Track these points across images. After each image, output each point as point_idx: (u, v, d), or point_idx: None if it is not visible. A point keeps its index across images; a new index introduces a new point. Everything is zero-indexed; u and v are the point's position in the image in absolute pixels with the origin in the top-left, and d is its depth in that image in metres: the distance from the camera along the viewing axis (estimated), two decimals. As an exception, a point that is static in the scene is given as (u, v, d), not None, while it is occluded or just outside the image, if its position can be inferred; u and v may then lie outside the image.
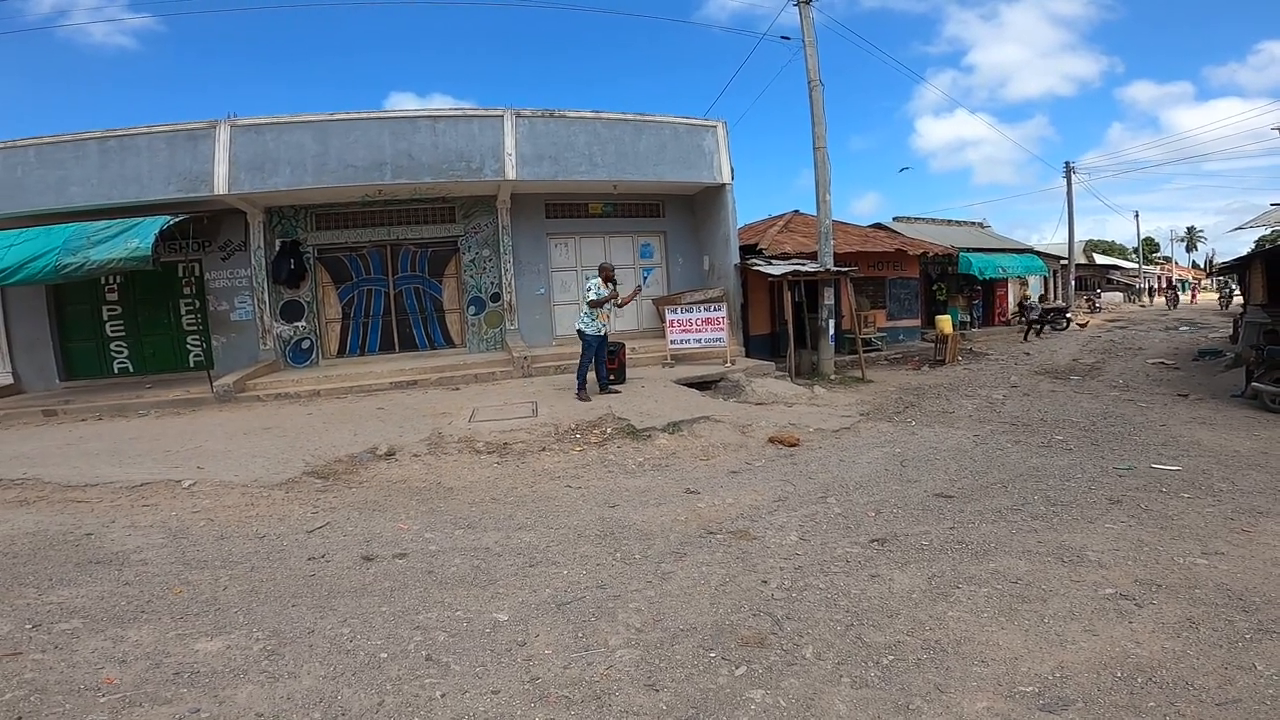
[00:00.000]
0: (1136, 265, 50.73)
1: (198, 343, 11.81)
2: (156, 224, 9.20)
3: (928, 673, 2.66)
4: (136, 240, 8.89)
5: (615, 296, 8.91)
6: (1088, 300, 33.63)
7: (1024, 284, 25.92)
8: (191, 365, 11.69)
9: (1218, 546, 3.80)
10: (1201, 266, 55.18)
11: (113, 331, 11.73)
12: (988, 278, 20.99)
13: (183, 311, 11.82)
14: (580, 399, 8.58)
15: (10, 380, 11.18)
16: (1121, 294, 43.77)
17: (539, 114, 11.47)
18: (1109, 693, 2.47)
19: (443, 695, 2.60)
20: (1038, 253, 26.54)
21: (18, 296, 11.01)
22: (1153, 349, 15.82)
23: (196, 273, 11.78)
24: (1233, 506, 4.49)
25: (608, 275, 8.84)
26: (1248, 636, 2.80)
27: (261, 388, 10.12)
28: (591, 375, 8.92)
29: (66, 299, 11.46)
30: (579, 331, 8.85)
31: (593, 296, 8.64)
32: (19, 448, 7.32)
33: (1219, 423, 7.38)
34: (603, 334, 8.87)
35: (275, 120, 10.63)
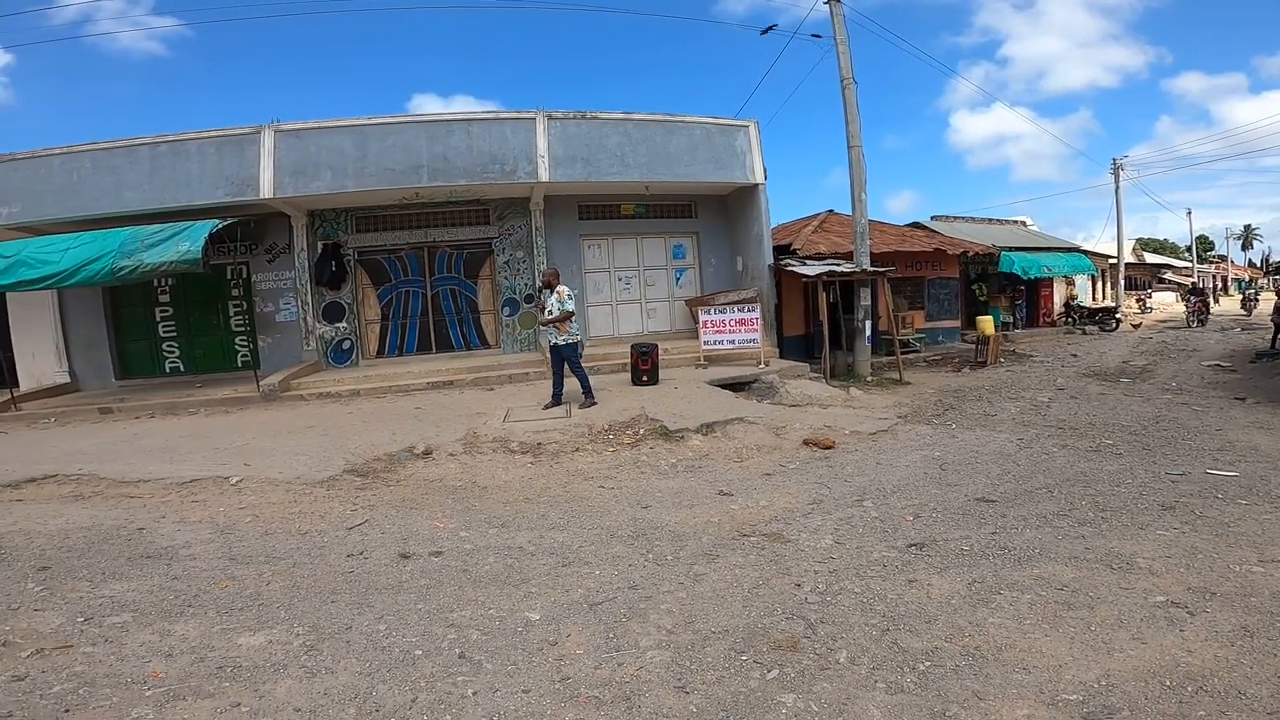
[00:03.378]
0: (1190, 264, 48.92)
1: (245, 343, 12.17)
2: (206, 228, 9.51)
3: (966, 679, 2.59)
4: (187, 244, 9.21)
5: (542, 308, 8.35)
6: (1138, 300, 32.52)
7: (1070, 284, 25.18)
8: (239, 365, 12.05)
9: (1276, 554, 3.63)
10: (1258, 265, 52.83)
11: (165, 332, 12.17)
12: (1031, 277, 20.42)
13: (231, 313, 12.20)
14: (547, 407, 8.39)
15: (68, 379, 11.67)
16: (1174, 294, 42.21)
17: (570, 116, 11.54)
18: (1156, 701, 2.39)
19: (474, 693, 2.63)
20: (1085, 251, 25.75)
21: (76, 298, 11.48)
22: (1207, 350, 15.21)
23: (244, 275, 12.15)
24: (1293, 514, 4.29)
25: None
26: (1306, 647, 2.67)
27: (304, 387, 10.39)
28: (576, 381, 8.53)
29: (122, 301, 11.93)
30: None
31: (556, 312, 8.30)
32: (77, 444, 7.63)
33: (1278, 427, 7.06)
34: (553, 344, 8.48)
35: (316, 125, 10.89)
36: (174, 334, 12.19)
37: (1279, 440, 6.43)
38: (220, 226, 9.91)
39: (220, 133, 10.73)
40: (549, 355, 8.62)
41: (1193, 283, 35.17)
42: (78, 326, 11.79)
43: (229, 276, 12.13)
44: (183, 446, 7.29)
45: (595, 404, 8.38)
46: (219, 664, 2.89)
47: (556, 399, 8.52)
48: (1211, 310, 25.49)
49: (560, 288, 8.42)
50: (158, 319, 12.15)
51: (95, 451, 7.17)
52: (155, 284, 11.72)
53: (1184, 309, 25.28)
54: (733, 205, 13.54)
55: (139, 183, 10.60)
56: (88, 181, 10.59)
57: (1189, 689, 2.45)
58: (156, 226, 9.60)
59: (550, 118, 11.36)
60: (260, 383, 10.11)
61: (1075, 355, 15.16)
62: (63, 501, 5.55)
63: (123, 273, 9.14)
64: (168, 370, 12.18)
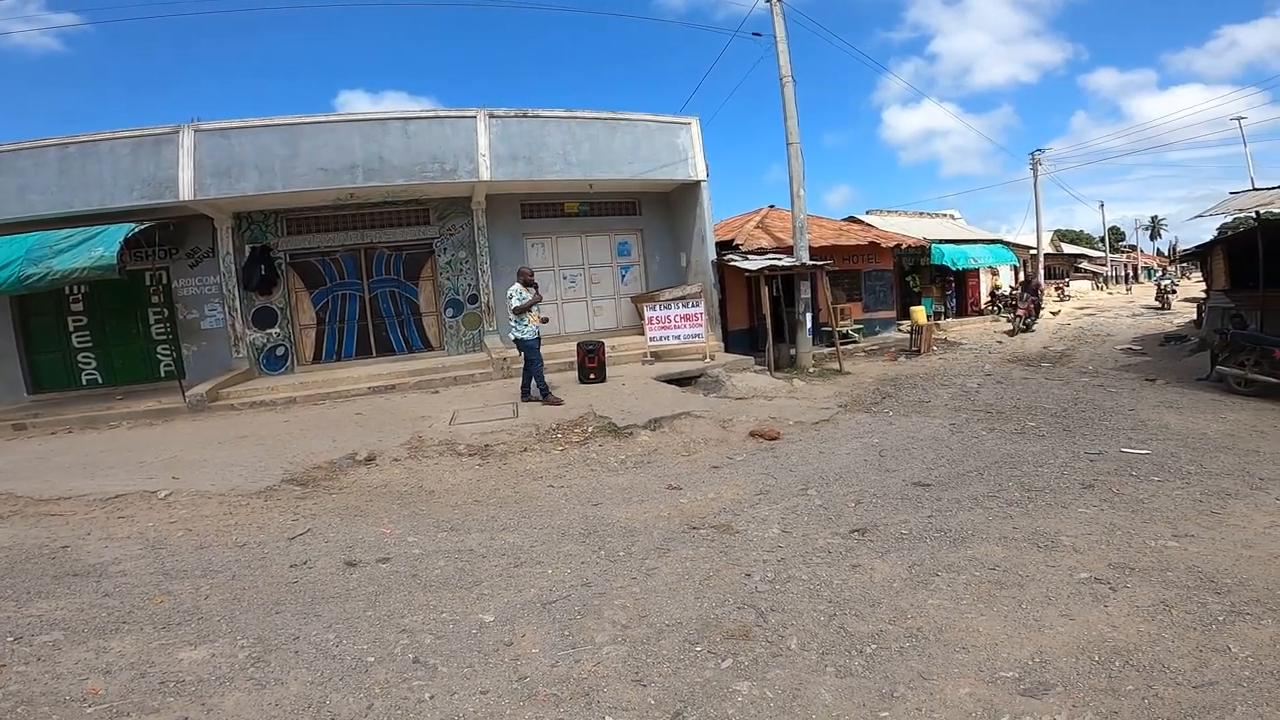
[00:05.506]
0: (1104, 254, 51.85)
1: (168, 352, 11.58)
2: (121, 231, 9.02)
3: (910, 660, 2.71)
4: (101, 249, 8.71)
5: (539, 300, 8.66)
6: (1057, 289, 34.27)
7: (995, 274, 26.32)
8: (162, 375, 11.46)
9: (1188, 529, 3.89)
10: (1165, 254, 56.40)
11: (79, 342, 11.46)
12: (960, 268, 21.28)
13: (151, 320, 11.57)
14: (551, 402, 8.40)
15: (-26, 394, 10.89)
16: (1089, 282, 44.70)
17: (512, 114, 11.42)
18: (1088, 676, 2.53)
19: (431, 697, 2.60)
20: (1007, 243, 26.95)
21: (-21, 308, 10.72)
22: (1121, 335, 16.17)
23: (164, 281, 11.54)
24: (1202, 489, 4.60)
25: (527, 279, 8.62)
26: (1221, 619, 2.87)
27: (236, 396, 9.97)
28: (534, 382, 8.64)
29: (31, 310, 11.16)
30: (517, 340, 8.55)
31: (515, 303, 8.41)
32: (-14, 463, 7.14)
33: (1186, 406, 7.56)
34: (539, 336, 8.64)
35: (241, 124, 10.45)
36: (89, 344, 11.49)
37: (1187, 419, 6.90)
38: (136, 230, 9.42)
39: (135, 133, 10.17)
40: (524, 351, 8.58)
41: (1024, 277, 25.93)
42: (-16, 339, 11.01)
43: (148, 282, 11.49)
44: (105, 461, 6.91)
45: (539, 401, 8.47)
46: (161, 679, 2.79)
47: (545, 392, 8.54)
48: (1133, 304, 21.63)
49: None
50: (71, 329, 11.41)
51: (10, 469, 6.73)
52: (67, 292, 11.02)
53: (1008, 312, 19.27)
54: (676, 202, 13.64)
55: (46, 186, 9.95)
56: (-11, 185, 9.90)
57: (1117, 663, 2.60)
58: (67, 231, 9.05)
59: (492, 116, 11.21)
60: (186, 393, 9.65)
61: (1001, 342, 15.89)
62: (-25, 523, 5.20)
63: (31, 280, 8.57)
64: (85, 382, 11.48)
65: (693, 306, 11.42)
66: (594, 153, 11.89)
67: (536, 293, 8.64)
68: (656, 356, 11.36)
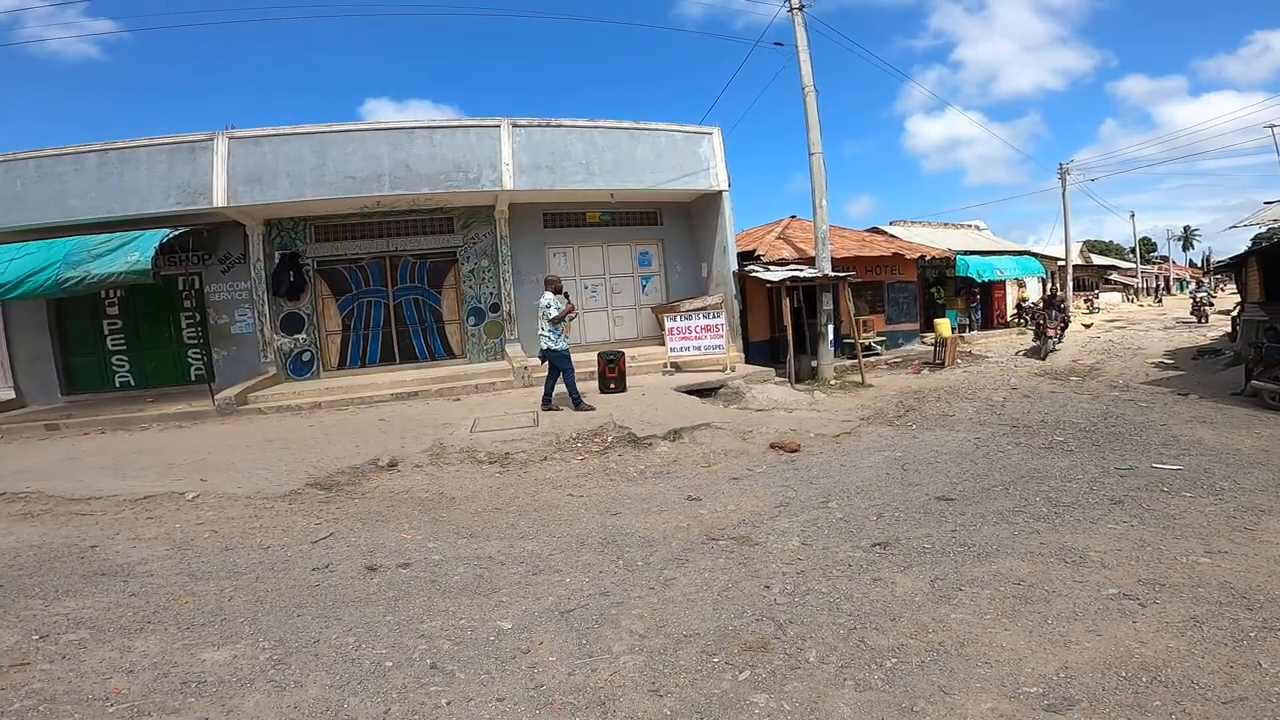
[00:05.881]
0: (1134, 265, 50.90)
1: (199, 356, 11.83)
2: (156, 237, 9.24)
3: (931, 675, 2.66)
4: (136, 254, 8.93)
5: (572, 310, 8.72)
6: (1086, 301, 33.69)
7: (1022, 286, 25.95)
8: (193, 378, 11.71)
9: (1221, 545, 3.80)
10: (1198, 265, 55.11)
11: (114, 345, 11.77)
12: (985, 280, 21.01)
13: (183, 325, 11.85)
14: (582, 409, 8.43)
15: (12, 394, 11.21)
16: (1120, 294, 43.89)
17: (535, 123, 11.54)
18: (1114, 692, 2.47)
19: (448, 703, 2.61)
20: (1035, 254, 26.58)
21: (19, 311, 11.06)
22: (1152, 349, 15.82)
23: (196, 286, 11.82)
24: (1235, 505, 4.48)
25: (558, 288, 8.67)
26: (1253, 635, 2.80)
27: (263, 400, 10.14)
28: (561, 389, 8.63)
29: (68, 313, 11.50)
30: (548, 350, 8.48)
31: (554, 313, 8.42)
32: (22, 461, 7.34)
33: (1219, 421, 7.37)
34: (568, 346, 8.67)
35: (273, 132, 10.69)
36: (123, 347, 11.80)
37: (1221, 434, 6.72)
38: (171, 236, 9.64)
39: (171, 140, 10.46)
40: (555, 361, 8.59)
41: (1049, 292, 23.31)
42: (22, 340, 11.34)
43: (181, 287, 11.78)
44: (135, 463, 7.06)
45: (559, 410, 8.48)
46: (183, 679, 2.83)
47: (578, 400, 8.55)
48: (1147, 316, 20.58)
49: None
50: (106, 332, 11.74)
51: (43, 468, 6.91)
52: (103, 296, 11.34)
53: (1031, 330, 17.88)
54: (697, 212, 13.66)
55: (86, 191, 10.26)
56: (31, 190, 10.22)
57: (1144, 679, 2.54)
58: (104, 236, 9.30)
59: (515, 125, 11.33)
60: (215, 396, 9.84)
61: (1028, 356, 15.61)
62: (10, 520, 5.34)
63: (68, 284, 8.82)
64: (118, 385, 11.77)
65: (714, 317, 11.41)
66: (616, 162, 11.97)
67: (569, 302, 8.72)
68: (677, 367, 11.36)
